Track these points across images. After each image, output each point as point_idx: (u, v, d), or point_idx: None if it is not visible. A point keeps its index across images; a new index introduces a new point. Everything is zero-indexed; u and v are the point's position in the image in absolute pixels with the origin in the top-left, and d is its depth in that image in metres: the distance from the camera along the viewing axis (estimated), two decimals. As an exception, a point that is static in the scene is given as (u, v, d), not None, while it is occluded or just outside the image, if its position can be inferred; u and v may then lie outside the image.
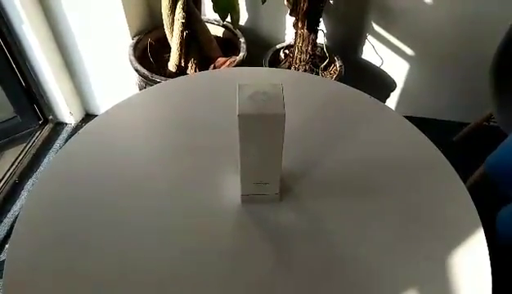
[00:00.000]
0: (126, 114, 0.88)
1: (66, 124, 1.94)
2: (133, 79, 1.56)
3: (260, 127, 0.56)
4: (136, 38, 1.59)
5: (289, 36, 1.77)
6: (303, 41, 1.55)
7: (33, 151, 1.81)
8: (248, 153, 0.60)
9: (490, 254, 0.63)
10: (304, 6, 1.44)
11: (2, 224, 1.55)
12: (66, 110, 1.87)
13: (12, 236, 0.66)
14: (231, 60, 1.56)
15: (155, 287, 0.60)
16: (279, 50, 1.73)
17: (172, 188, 0.73)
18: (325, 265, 0.63)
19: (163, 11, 1.44)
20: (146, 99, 0.94)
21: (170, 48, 1.52)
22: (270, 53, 1.70)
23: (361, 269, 0.62)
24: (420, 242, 0.65)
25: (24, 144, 1.82)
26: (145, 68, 1.48)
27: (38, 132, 1.87)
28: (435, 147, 0.79)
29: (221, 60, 1.58)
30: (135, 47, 1.56)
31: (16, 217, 0.72)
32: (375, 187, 0.73)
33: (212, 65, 1.58)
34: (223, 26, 1.69)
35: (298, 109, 0.82)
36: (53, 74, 1.71)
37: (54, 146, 1.85)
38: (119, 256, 0.63)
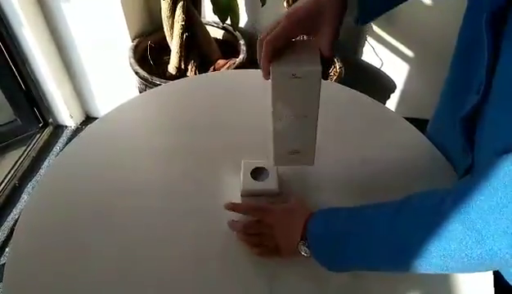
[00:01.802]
0: (126, 117, 0.88)
1: (66, 127, 1.94)
2: (133, 82, 1.56)
3: (294, 85, 0.52)
4: (136, 41, 1.59)
5: (289, 38, 1.77)
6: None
7: (33, 154, 1.81)
8: (281, 116, 0.56)
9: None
10: (304, 7, 1.44)
11: (3, 227, 1.55)
12: (66, 113, 1.87)
13: (13, 239, 0.65)
14: (231, 62, 1.56)
15: (155, 287, 0.60)
16: (279, 51, 1.73)
17: (173, 189, 0.73)
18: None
19: (162, 13, 1.44)
20: (146, 101, 0.94)
21: (170, 51, 1.52)
22: (270, 55, 1.70)
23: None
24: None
25: (25, 147, 1.82)
26: (145, 70, 1.48)
27: (38, 135, 1.87)
28: (435, 148, 0.79)
29: (221, 62, 1.58)
30: (135, 50, 1.56)
31: (17, 220, 0.72)
32: (374, 187, 0.73)
33: (212, 67, 1.58)
34: (223, 28, 1.69)
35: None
36: (53, 77, 1.71)
37: (54, 149, 1.85)
38: (119, 258, 0.63)
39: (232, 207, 0.66)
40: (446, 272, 0.47)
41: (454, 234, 0.43)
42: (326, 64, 0.54)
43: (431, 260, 0.45)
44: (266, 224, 0.63)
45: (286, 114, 0.55)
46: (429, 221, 0.45)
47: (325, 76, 0.54)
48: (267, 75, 0.53)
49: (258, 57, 0.54)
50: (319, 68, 0.51)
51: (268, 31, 0.54)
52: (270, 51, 0.51)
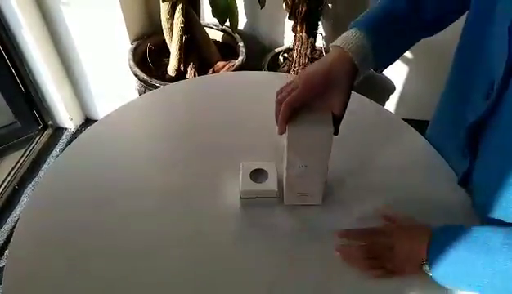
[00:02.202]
0: (126, 119, 0.88)
1: (66, 129, 1.94)
2: (133, 84, 1.56)
3: (307, 142, 0.59)
4: (135, 43, 1.59)
5: (288, 40, 1.77)
6: (302, 44, 1.55)
7: (32, 156, 1.81)
8: (294, 166, 0.63)
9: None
10: (303, 9, 1.45)
11: (2, 229, 1.55)
12: (66, 115, 1.87)
13: (12, 242, 0.65)
14: (230, 64, 1.56)
15: (154, 288, 0.60)
16: (278, 54, 1.74)
17: (172, 191, 0.73)
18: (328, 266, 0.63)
19: (162, 15, 1.44)
20: (146, 103, 0.94)
21: (169, 53, 1.53)
22: (269, 57, 1.70)
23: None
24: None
25: (24, 150, 1.81)
26: (144, 72, 1.48)
27: (38, 137, 1.87)
28: (434, 149, 0.79)
29: (220, 64, 1.58)
30: (134, 52, 1.56)
31: (16, 223, 0.72)
32: (372, 188, 0.73)
33: (211, 69, 1.58)
34: (222, 30, 1.69)
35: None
36: (53, 79, 1.71)
37: (54, 151, 1.85)
38: (118, 260, 0.63)
39: (346, 234, 0.65)
40: None
41: None
42: (339, 121, 0.60)
43: None
44: (384, 246, 0.62)
45: (299, 164, 0.62)
46: None
47: (337, 131, 0.60)
48: (282, 132, 0.59)
49: (275, 115, 0.59)
50: (331, 128, 0.57)
51: (283, 90, 0.60)
52: (287, 112, 0.57)
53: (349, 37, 0.61)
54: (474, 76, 0.63)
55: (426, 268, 0.57)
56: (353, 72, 0.60)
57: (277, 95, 0.60)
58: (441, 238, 0.57)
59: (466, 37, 0.68)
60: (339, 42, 0.61)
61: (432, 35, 0.69)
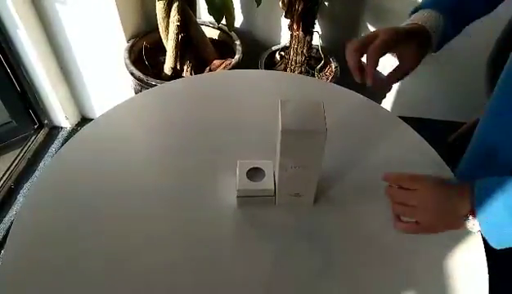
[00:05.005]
0: (122, 118, 0.87)
1: (62, 128, 1.94)
2: (129, 82, 1.56)
3: (301, 143, 0.58)
4: (131, 42, 1.58)
5: (285, 38, 1.77)
6: (299, 42, 1.55)
7: (28, 156, 1.80)
8: (287, 167, 0.62)
9: (487, 253, 0.64)
10: (299, 7, 1.45)
11: (-2, 229, 1.54)
12: (62, 114, 1.87)
13: (8, 242, 0.65)
14: (227, 62, 1.56)
15: (152, 288, 0.60)
16: (274, 52, 1.74)
17: (168, 190, 0.73)
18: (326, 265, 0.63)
19: (158, 14, 1.44)
20: (142, 102, 0.94)
21: (165, 51, 1.52)
22: (265, 55, 1.70)
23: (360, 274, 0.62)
24: (418, 242, 0.65)
25: (20, 149, 1.81)
26: (140, 71, 1.48)
27: (34, 137, 1.87)
28: (430, 147, 0.80)
29: (216, 62, 1.58)
30: (130, 51, 1.56)
31: (12, 222, 0.72)
32: (368, 186, 0.73)
33: (207, 68, 1.58)
34: (218, 28, 1.69)
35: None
36: (48, 78, 1.70)
37: (50, 151, 1.85)
38: (117, 260, 0.63)
39: (385, 177, 0.63)
40: None
41: None
42: (407, 73, 0.66)
43: None
44: (421, 197, 0.59)
45: (291, 165, 0.62)
46: None
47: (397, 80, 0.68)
48: (369, 78, 0.62)
49: (350, 63, 0.61)
50: (325, 130, 0.56)
51: (360, 41, 0.62)
52: (375, 57, 0.59)
53: (426, 16, 0.65)
54: None
55: (470, 223, 0.54)
56: (427, 42, 0.65)
57: (350, 45, 0.62)
58: (486, 186, 0.54)
59: None
60: (416, 19, 0.66)
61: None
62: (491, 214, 0.52)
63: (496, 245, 0.54)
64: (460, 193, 0.56)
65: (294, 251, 0.64)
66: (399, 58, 0.66)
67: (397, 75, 0.68)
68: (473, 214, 0.54)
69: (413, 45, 0.65)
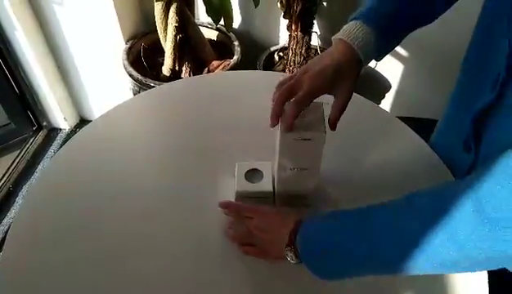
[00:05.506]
0: (120, 119, 0.87)
1: (60, 130, 1.94)
2: (127, 84, 1.55)
3: (300, 145, 0.58)
4: (129, 43, 1.58)
5: (283, 38, 1.77)
6: (297, 43, 1.55)
7: (27, 157, 1.80)
8: (286, 168, 0.62)
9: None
10: (297, 8, 1.45)
11: (-3, 231, 1.54)
12: (60, 116, 1.86)
13: (6, 243, 0.65)
14: (226, 63, 1.56)
15: (152, 288, 0.60)
16: (273, 52, 1.73)
17: (167, 191, 0.72)
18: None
19: (156, 15, 1.44)
20: (141, 103, 0.94)
21: (164, 52, 1.52)
22: (264, 56, 1.70)
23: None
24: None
25: (19, 151, 1.81)
26: (138, 72, 1.47)
27: (32, 138, 1.86)
28: (429, 147, 0.79)
29: (215, 63, 1.58)
30: (128, 52, 1.56)
31: (10, 225, 0.72)
32: (367, 187, 0.73)
33: (206, 69, 1.58)
34: (217, 29, 1.69)
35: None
36: (47, 80, 1.70)
37: (48, 152, 1.84)
38: (116, 260, 0.63)
39: (225, 205, 0.67)
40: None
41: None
42: (343, 108, 0.61)
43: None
44: (256, 226, 0.62)
45: (290, 167, 0.62)
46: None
47: (334, 127, 0.62)
48: (275, 122, 0.57)
49: (274, 110, 0.57)
50: (324, 132, 0.57)
51: (284, 84, 0.58)
52: (295, 111, 0.55)
53: (354, 30, 0.60)
54: (484, 72, 0.63)
55: (289, 254, 0.56)
56: (359, 66, 0.61)
57: (277, 90, 0.59)
58: (309, 224, 0.56)
59: (476, 36, 0.68)
60: (344, 35, 0.60)
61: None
62: (307, 250, 0.54)
63: (320, 277, 0.55)
64: (288, 224, 0.57)
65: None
66: (333, 95, 0.61)
67: (335, 114, 0.61)
68: (293, 247, 0.55)
69: (343, 82, 0.60)
